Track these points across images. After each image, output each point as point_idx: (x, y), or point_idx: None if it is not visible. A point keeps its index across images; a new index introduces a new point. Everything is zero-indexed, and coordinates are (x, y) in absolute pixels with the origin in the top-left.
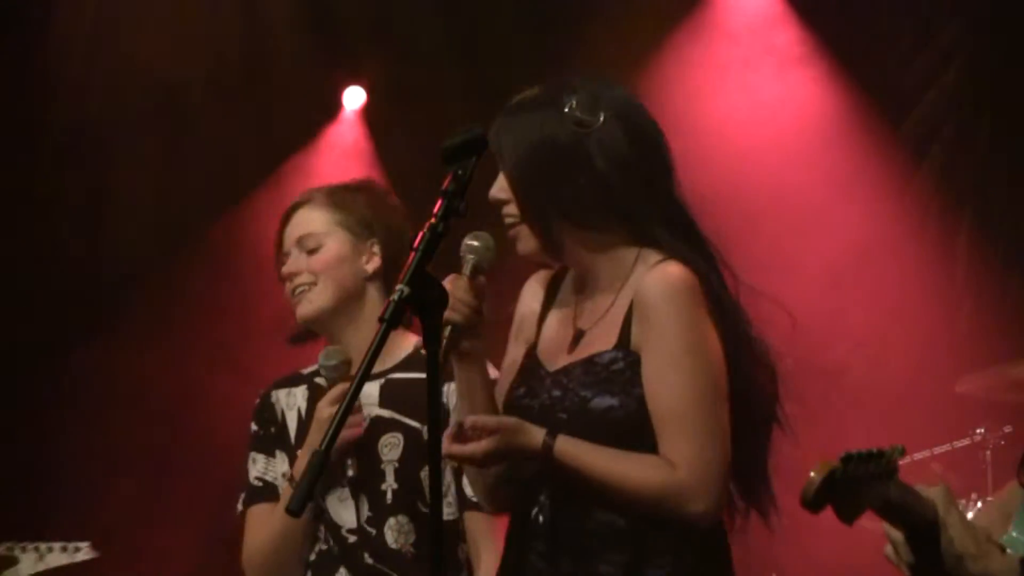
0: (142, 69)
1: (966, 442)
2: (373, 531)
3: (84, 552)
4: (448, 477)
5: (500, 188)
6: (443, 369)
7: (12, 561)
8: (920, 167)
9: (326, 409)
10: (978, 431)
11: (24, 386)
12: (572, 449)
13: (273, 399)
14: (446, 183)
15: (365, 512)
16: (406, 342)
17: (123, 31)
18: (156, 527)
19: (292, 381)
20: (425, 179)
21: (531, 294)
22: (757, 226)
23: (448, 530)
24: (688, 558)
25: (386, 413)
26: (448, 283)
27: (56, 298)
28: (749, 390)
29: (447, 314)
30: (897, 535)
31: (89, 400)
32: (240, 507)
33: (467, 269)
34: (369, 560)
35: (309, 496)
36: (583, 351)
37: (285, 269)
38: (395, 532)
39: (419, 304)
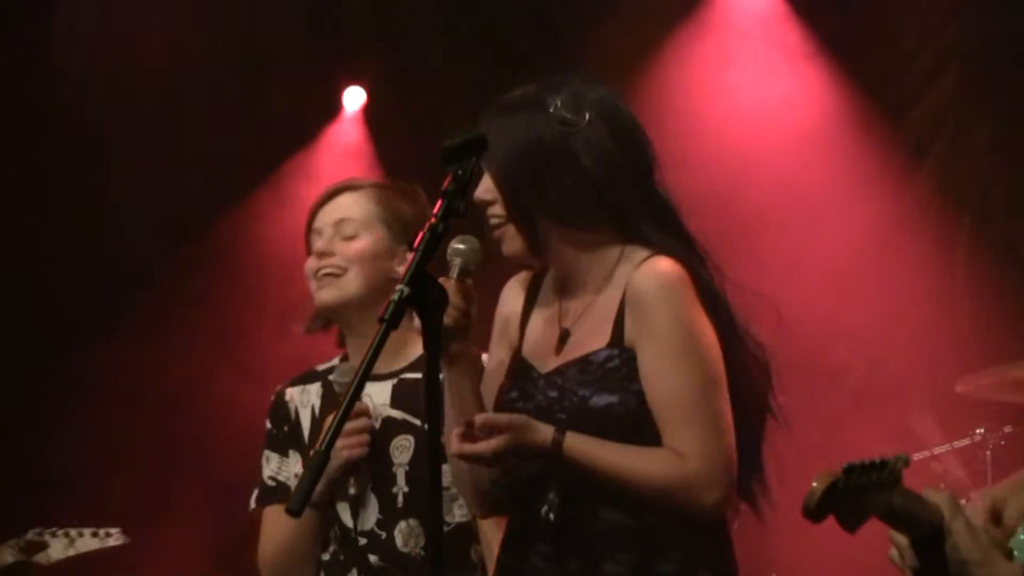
0: (143, 69)
1: (966, 442)
2: (383, 534)
3: (115, 537)
4: None
5: (485, 189)
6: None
7: (42, 546)
8: (920, 167)
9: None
10: (978, 431)
11: (26, 385)
12: (581, 445)
13: (287, 397)
14: (446, 183)
15: (376, 515)
16: (419, 342)
17: (123, 31)
18: (160, 523)
19: (306, 378)
20: (425, 179)
21: (512, 296)
22: (756, 226)
23: (462, 531)
24: (696, 553)
25: (397, 414)
26: None
27: (57, 298)
28: (742, 382)
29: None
30: (902, 539)
31: (91, 399)
32: (253, 504)
33: (454, 272)
34: (379, 563)
35: (308, 496)
36: (573, 351)
37: (319, 246)
38: (405, 535)
39: (419, 304)
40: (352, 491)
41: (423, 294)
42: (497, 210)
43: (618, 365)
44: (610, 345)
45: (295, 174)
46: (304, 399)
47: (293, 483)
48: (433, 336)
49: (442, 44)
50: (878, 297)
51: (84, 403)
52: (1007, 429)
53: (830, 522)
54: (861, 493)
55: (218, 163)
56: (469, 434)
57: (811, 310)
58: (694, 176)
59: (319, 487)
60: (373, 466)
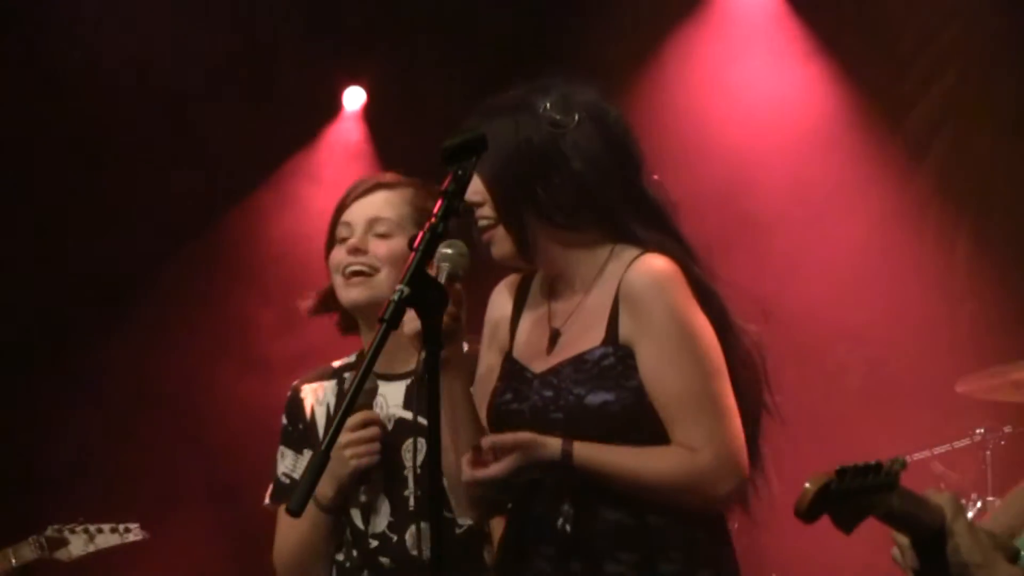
0: (143, 69)
1: (966, 442)
2: (395, 537)
3: (134, 533)
4: None
5: (474, 191)
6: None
7: (63, 542)
8: (920, 167)
9: (344, 435)
10: (978, 431)
11: (28, 384)
12: (591, 452)
13: (303, 394)
14: (446, 183)
15: (388, 517)
16: None
17: (124, 31)
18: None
19: (322, 375)
20: (425, 179)
21: (501, 300)
22: (756, 225)
23: (475, 533)
24: (698, 553)
25: (410, 416)
26: None
27: (59, 298)
28: (736, 379)
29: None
30: (904, 540)
31: (93, 398)
32: (267, 500)
33: (443, 277)
34: (391, 565)
35: (307, 498)
36: (566, 350)
37: (352, 242)
38: (415, 538)
39: (419, 304)
40: (363, 494)
41: (423, 294)
42: (486, 211)
43: (613, 363)
44: (604, 343)
45: (295, 174)
46: (319, 396)
47: None
48: (433, 336)
49: (442, 44)
50: (878, 297)
51: (86, 402)
52: (1007, 429)
53: (830, 523)
54: (855, 495)
55: (219, 163)
56: (478, 458)
57: (811, 310)
58: (694, 176)
59: (330, 493)
60: (385, 468)
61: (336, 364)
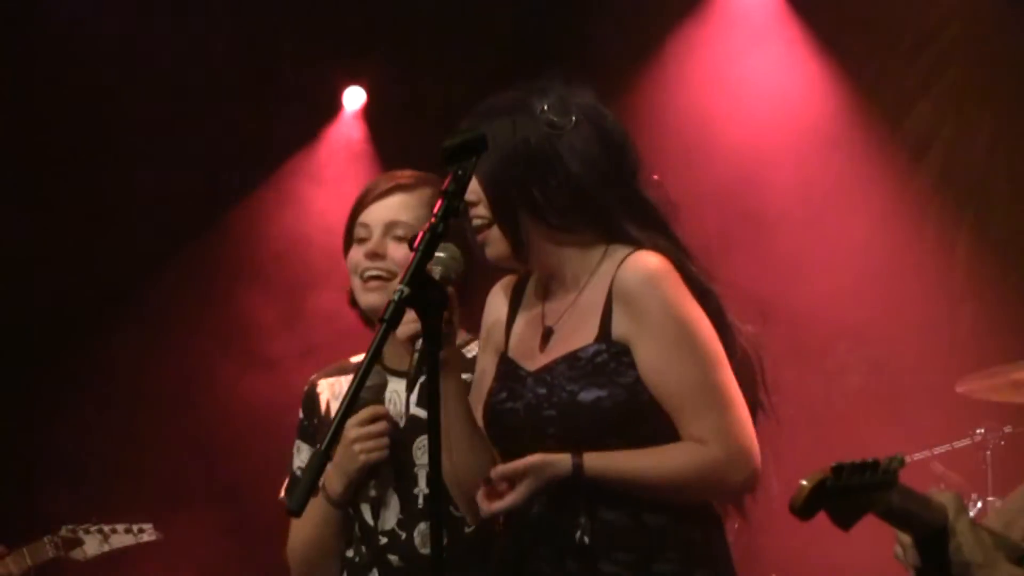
0: (143, 68)
1: (966, 442)
2: (403, 534)
3: (148, 533)
4: None
5: (470, 190)
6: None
7: (77, 542)
8: (920, 167)
9: (353, 430)
10: (978, 431)
11: (29, 384)
12: (602, 462)
13: (319, 389)
14: (446, 183)
15: (397, 515)
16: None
17: (124, 31)
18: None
19: (340, 370)
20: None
21: (496, 302)
22: (755, 225)
23: (483, 532)
24: (694, 553)
25: (422, 413)
26: None
27: (59, 297)
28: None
29: (416, 326)
30: (906, 538)
31: (95, 397)
32: (282, 494)
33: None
34: (399, 563)
35: (307, 498)
36: (559, 348)
37: (369, 246)
38: (424, 536)
39: (419, 304)
40: (373, 491)
41: (423, 294)
42: (481, 211)
43: (606, 359)
44: (598, 340)
45: (296, 174)
46: (336, 391)
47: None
48: (433, 336)
49: (442, 44)
50: (878, 297)
51: (86, 402)
52: (1007, 429)
53: (830, 524)
54: (853, 492)
55: (219, 162)
56: (491, 489)
57: (811, 309)
58: (694, 175)
59: (339, 488)
60: (395, 465)
61: (354, 359)
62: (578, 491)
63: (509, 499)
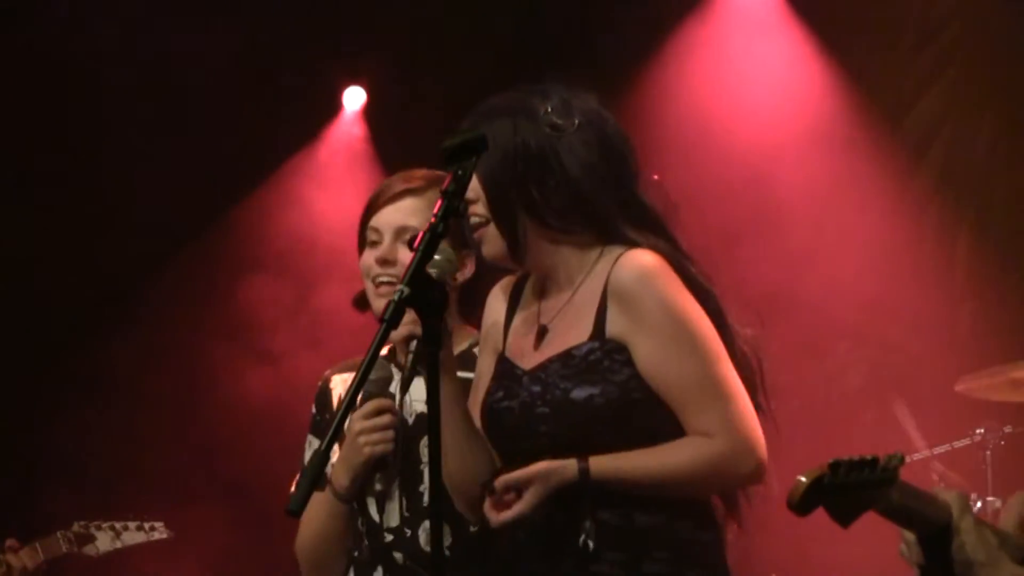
0: (143, 69)
1: (966, 442)
2: (408, 532)
3: (159, 531)
4: None
5: (469, 188)
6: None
7: (89, 538)
8: (920, 167)
9: (358, 423)
10: (978, 431)
11: (30, 384)
12: (607, 464)
13: (331, 384)
14: (446, 183)
15: (403, 512)
16: (463, 337)
17: (124, 31)
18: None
19: (353, 367)
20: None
21: (495, 303)
22: (754, 226)
23: (488, 531)
24: (686, 553)
25: None
26: None
27: (60, 298)
28: None
29: (411, 328)
30: (911, 535)
31: (97, 397)
32: (293, 488)
33: None
34: (404, 561)
35: (307, 497)
36: (554, 346)
37: (380, 254)
38: (429, 534)
39: (420, 304)
40: (379, 486)
41: (424, 294)
42: (479, 209)
43: (600, 357)
44: (592, 338)
45: (296, 174)
46: (348, 387)
47: (329, 471)
48: (433, 337)
49: (442, 44)
50: (878, 297)
51: (87, 402)
52: (1007, 429)
53: (829, 524)
54: (852, 489)
55: (219, 163)
56: (497, 499)
57: (811, 310)
58: (694, 175)
59: (345, 483)
60: (402, 462)
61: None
62: (583, 496)
63: (517, 508)
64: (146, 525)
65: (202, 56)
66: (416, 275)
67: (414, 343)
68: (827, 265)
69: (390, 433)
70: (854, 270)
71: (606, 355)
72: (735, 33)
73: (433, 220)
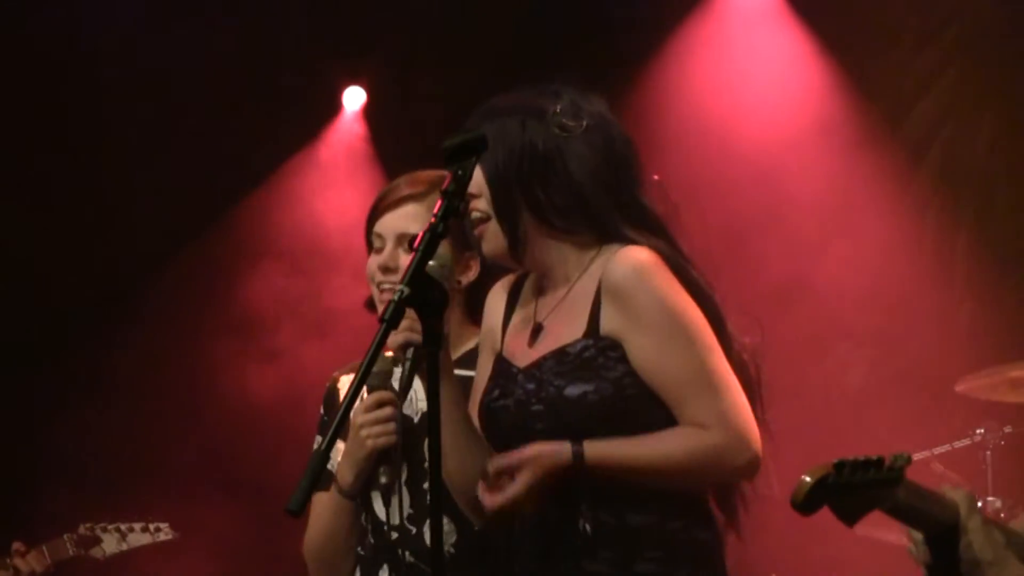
0: (143, 69)
1: (966, 442)
2: (413, 529)
3: (164, 532)
4: None
5: (473, 183)
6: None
7: (95, 540)
8: (920, 167)
9: (360, 416)
10: (978, 431)
11: (31, 384)
12: (603, 449)
13: (339, 384)
14: (446, 183)
15: (407, 510)
16: (470, 336)
17: (124, 31)
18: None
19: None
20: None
21: (494, 303)
22: (754, 226)
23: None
24: (678, 552)
25: None
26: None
27: (60, 298)
28: None
29: (408, 335)
30: (918, 535)
31: (97, 397)
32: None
33: None
34: (409, 558)
35: (307, 497)
36: (548, 343)
37: (382, 261)
38: None
39: (420, 304)
40: (384, 480)
41: (424, 294)
42: (481, 204)
43: (593, 354)
44: (586, 335)
45: (296, 174)
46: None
47: (334, 469)
48: (433, 337)
49: (442, 44)
50: (878, 297)
51: (87, 402)
52: (1007, 429)
53: (831, 524)
54: (856, 489)
55: (219, 162)
56: (492, 483)
57: (811, 310)
58: (695, 174)
59: (350, 478)
60: (408, 460)
61: None
62: (578, 483)
63: (511, 491)
64: (151, 526)
65: (202, 56)
66: (416, 275)
67: (411, 351)
68: (827, 265)
69: (392, 425)
70: (853, 271)
71: (600, 352)
72: (735, 33)
73: (433, 220)
